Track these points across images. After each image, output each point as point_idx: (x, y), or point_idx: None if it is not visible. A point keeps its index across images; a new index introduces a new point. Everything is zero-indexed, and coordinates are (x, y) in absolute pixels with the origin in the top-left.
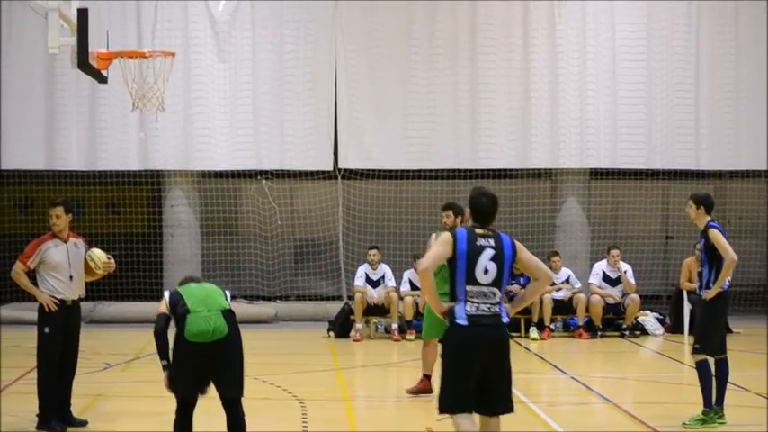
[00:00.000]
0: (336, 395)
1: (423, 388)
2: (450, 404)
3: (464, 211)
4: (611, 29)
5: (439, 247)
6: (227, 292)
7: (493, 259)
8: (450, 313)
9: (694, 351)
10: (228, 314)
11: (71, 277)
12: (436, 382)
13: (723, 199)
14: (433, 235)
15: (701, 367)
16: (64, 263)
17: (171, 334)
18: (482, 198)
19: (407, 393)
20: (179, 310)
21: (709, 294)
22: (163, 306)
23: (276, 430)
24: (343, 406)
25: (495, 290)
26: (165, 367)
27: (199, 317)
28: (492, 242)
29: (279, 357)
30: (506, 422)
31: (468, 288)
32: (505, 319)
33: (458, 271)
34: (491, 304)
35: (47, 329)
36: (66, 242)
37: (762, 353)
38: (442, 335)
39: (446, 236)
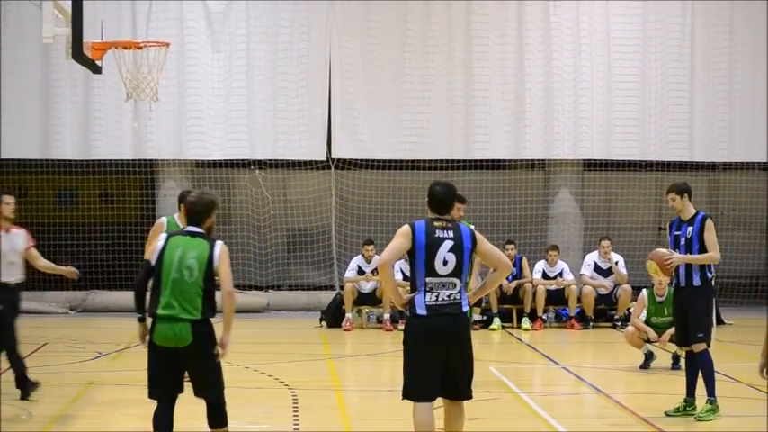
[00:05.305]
0: (328, 384)
1: None
2: (410, 392)
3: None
4: (605, 20)
5: (398, 239)
6: (217, 250)
7: (452, 250)
8: (409, 304)
9: (698, 341)
10: (198, 325)
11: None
12: None
13: (716, 191)
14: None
15: (706, 356)
16: None
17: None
18: (436, 187)
19: None
20: (153, 283)
21: (685, 259)
22: (149, 252)
23: (268, 419)
24: (334, 395)
25: (456, 280)
26: (140, 320)
27: (165, 325)
28: (451, 233)
29: (271, 347)
30: (498, 412)
31: (428, 279)
32: (465, 308)
33: (417, 262)
34: (451, 293)
35: None
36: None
37: (752, 344)
38: None
39: (404, 229)
